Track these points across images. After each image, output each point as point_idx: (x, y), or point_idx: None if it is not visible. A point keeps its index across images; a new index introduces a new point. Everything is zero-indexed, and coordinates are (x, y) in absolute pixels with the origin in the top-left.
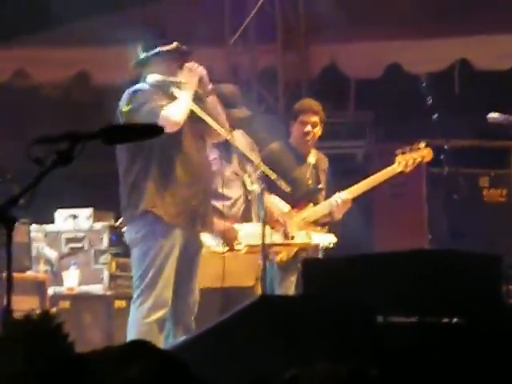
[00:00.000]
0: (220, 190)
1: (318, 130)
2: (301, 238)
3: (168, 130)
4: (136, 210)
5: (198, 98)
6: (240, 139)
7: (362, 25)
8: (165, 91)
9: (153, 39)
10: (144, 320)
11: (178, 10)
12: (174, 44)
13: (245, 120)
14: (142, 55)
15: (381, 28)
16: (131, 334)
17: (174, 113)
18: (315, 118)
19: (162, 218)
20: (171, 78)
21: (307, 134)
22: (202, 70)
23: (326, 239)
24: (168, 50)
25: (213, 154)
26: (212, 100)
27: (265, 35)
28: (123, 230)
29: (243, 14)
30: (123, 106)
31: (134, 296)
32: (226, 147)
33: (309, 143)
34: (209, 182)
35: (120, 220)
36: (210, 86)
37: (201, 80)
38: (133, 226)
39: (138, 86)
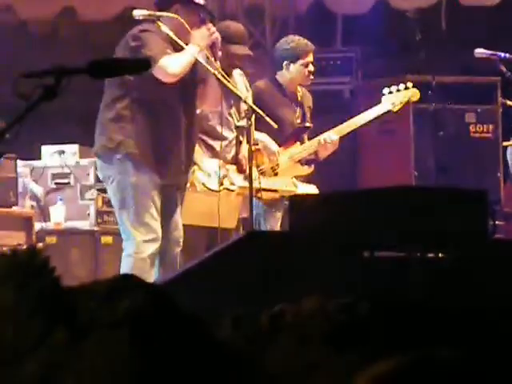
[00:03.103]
0: (217, 130)
1: None
2: (286, 185)
3: (163, 79)
4: (112, 145)
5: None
6: (238, 78)
7: None
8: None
9: None
10: (138, 255)
11: None
12: None
13: (243, 58)
14: None
15: None
16: (124, 270)
17: (174, 64)
18: (312, 57)
19: (139, 162)
20: (158, 13)
21: (312, 73)
22: (217, 37)
23: (308, 189)
24: (195, 2)
25: (214, 92)
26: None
27: None
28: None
29: None
30: (130, 41)
31: (123, 232)
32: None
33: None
34: (194, 142)
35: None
36: (220, 54)
37: (213, 45)
38: (106, 160)
39: (143, 27)
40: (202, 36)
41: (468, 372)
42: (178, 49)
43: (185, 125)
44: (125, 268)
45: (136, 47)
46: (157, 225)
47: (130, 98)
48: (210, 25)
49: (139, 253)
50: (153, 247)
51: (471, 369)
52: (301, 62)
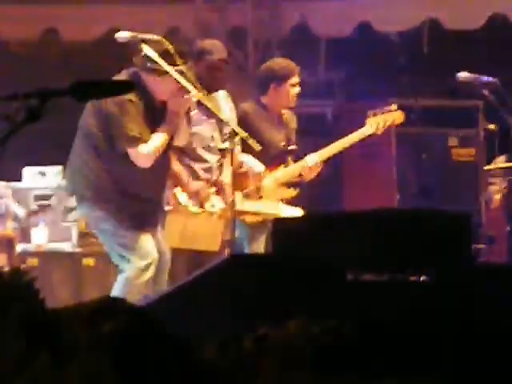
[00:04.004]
0: (199, 153)
1: None
2: (270, 208)
3: (137, 163)
4: (88, 193)
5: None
6: (223, 99)
7: None
8: (150, 96)
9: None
10: (136, 281)
11: None
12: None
13: (222, 64)
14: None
15: None
16: (118, 292)
17: (151, 153)
18: (298, 78)
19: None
20: (141, 36)
21: (298, 95)
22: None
23: (292, 212)
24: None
25: (197, 115)
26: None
27: None
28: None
29: None
30: (110, 106)
31: (116, 260)
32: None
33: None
34: (164, 184)
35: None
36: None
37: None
38: (84, 205)
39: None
40: (180, 104)
41: None
42: (153, 109)
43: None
44: (120, 290)
45: (114, 124)
46: (153, 248)
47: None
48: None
49: (138, 278)
50: (151, 272)
51: None
52: (288, 82)
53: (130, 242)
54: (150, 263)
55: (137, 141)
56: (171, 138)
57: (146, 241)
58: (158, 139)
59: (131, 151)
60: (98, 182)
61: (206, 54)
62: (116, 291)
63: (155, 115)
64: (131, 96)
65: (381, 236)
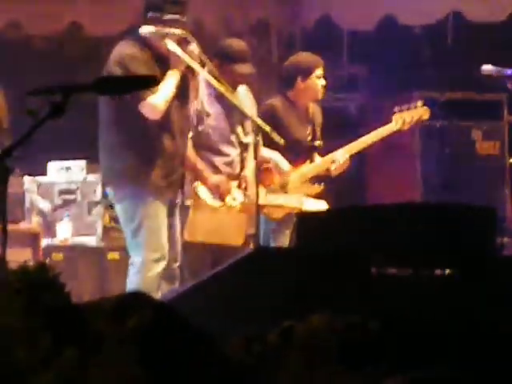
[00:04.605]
0: (219, 147)
1: None
2: (293, 201)
3: (149, 116)
4: (117, 173)
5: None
6: (244, 95)
7: None
8: (155, 50)
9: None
10: (147, 274)
11: None
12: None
13: (247, 76)
14: (150, 14)
15: None
16: (131, 287)
17: (161, 102)
18: (323, 71)
19: (146, 191)
20: (166, 30)
21: (325, 87)
22: (195, 49)
23: (316, 205)
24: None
25: (215, 109)
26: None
27: None
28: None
29: None
30: (113, 66)
31: (132, 251)
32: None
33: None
34: (186, 142)
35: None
36: (201, 57)
37: (194, 58)
38: (113, 185)
39: (128, 51)
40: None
41: None
42: (160, 62)
43: (177, 126)
44: (132, 285)
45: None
46: (165, 243)
47: (128, 123)
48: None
49: (148, 271)
50: (161, 266)
51: None
52: (314, 75)
53: (150, 230)
54: (161, 257)
55: (144, 92)
56: (182, 91)
57: (161, 232)
58: (165, 87)
59: (141, 106)
60: (127, 161)
61: (233, 62)
62: (131, 285)
63: (162, 68)
64: (133, 51)
65: (405, 230)
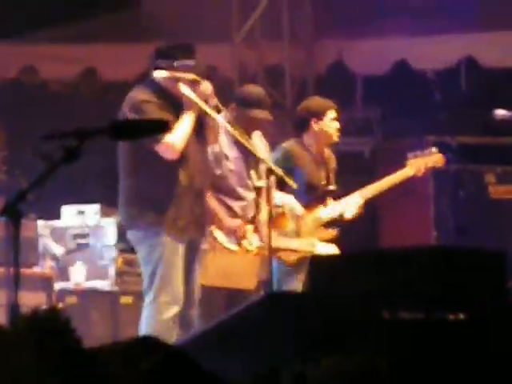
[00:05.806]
0: (237, 190)
1: None
2: (306, 245)
3: (166, 156)
4: (136, 216)
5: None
6: (257, 140)
7: (368, 21)
8: (168, 93)
9: (176, 50)
10: (160, 317)
11: (185, 5)
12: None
13: (264, 122)
14: (161, 62)
15: (387, 25)
16: (144, 331)
17: (178, 140)
18: (336, 114)
19: (163, 233)
20: (178, 74)
21: (339, 130)
22: (207, 89)
23: (328, 249)
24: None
25: (234, 152)
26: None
27: (271, 31)
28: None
29: (250, 10)
30: (128, 112)
31: (147, 294)
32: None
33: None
34: (206, 181)
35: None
36: (215, 101)
37: (207, 100)
38: (134, 226)
39: (142, 96)
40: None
41: None
42: (174, 105)
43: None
44: (145, 330)
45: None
46: (180, 287)
47: (148, 164)
48: (205, 83)
49: (159, 314)
50: (174, 310)
51: None
52: (327, 117)
53: (166, 274)
54: (173, 300)
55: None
56: (199, 129)
57: (175, 275)
58: (180, 126)
59: (158, 146)
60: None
61: (253, 108)
62: (143, 328)
63: (177, 112)
64: (147, 96)
65: (417, 274)
